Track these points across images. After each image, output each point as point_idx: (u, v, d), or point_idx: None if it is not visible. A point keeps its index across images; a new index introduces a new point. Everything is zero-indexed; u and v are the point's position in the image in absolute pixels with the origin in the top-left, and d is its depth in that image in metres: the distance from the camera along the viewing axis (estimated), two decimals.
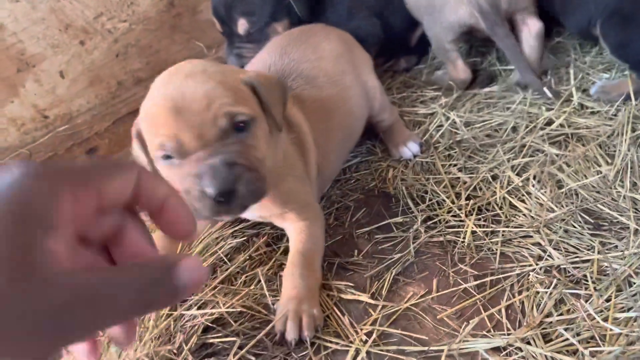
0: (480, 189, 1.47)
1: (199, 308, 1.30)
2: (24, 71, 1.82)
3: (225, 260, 1.43)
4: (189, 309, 1.30)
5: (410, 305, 1.23)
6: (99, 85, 1.96)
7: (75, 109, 1.94)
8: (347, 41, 1.68)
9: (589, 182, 1.36)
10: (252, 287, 1.35)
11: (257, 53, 1.67)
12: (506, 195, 1.41)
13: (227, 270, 1.41)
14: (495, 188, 1.44)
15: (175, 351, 1.18)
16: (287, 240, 1.47)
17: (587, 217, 1.28)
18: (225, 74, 1.15)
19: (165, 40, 2.04)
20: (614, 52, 1.62)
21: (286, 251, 1.45)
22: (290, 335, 1.19)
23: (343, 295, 1.29)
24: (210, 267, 1.42)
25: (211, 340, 1.22)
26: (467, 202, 1.42)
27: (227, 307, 1.28)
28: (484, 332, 1.12)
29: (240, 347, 1.17)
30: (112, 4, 1.91)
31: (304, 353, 1.17)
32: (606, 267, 1.14)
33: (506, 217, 1.36)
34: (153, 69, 2.04)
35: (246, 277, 1.41)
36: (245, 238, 1.48)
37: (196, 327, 1.24)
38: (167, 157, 1.09)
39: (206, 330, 1.25)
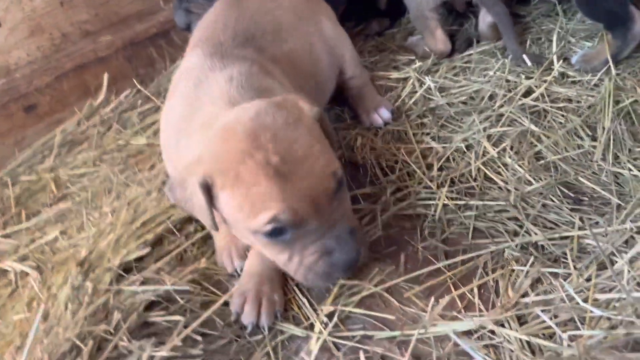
0: (454, 159, 1.36)
1: (142, 283, 1.17)
2: None
3: (175, 230, 1.30)
4: (131, 284, 1.16)
5: (376, 283, 1.12)
6: (40, 36, 1.76)
7: (14, 62, 1.74)
8: None
9: (570, 155, 1.26)
10: (202, 261, 1.22)
11: (207, 9, 1.52)
12: (481, 167, 1.31)
13: (175, 242, 1.28)
14: (470, 159, 1.33)
15: (111, 330, 1.04)
16: None
17: (566, 191, 1.19)
18: (300, 117, 0.98)
19: None
20: (582, 9, 1.52)
21: None
22: (247, 319, 1.08)
23: None
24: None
25: (153, 319, 1.09)
26: (440, 173, 1.32)
27: (173, 283, 1.15)
28: (455, 313, 1.03)
29: (186, 326, 1.05)
30: None
31: (259, 337, 1.06)
32: (587, 244, 1.06)
33: (481, 189, 1.26)
34: (102, 21, 1.86)
35: (198, 250, 1.28)
36: None
37: (137, 304, 1.11)
38: (277, 231, 0.94)
39: (149, 307, 1.13)
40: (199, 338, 1.04)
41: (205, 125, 1.03)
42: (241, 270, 1.17)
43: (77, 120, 1.77)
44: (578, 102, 1.41)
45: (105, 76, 1.81)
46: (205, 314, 1.05)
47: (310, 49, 1.41)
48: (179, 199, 1.02)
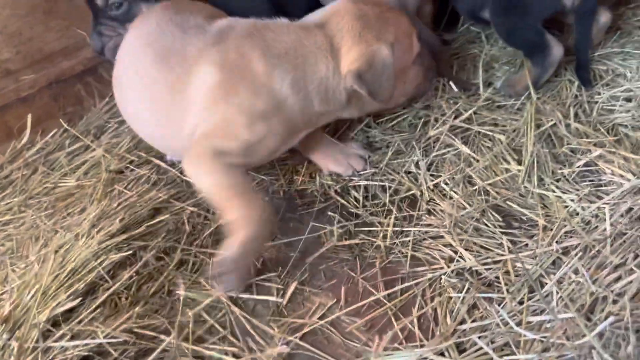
0: (390, 187, 1.38)
1: (72, 337, 1.11)
2: None
3: (107, 278, 1.24)
4: (60, 338, 1.10)
5: (318, 317, 1.12)
6: None
7: None
8: None
9: (498, 179, 1.30)
10: (137, 309, 1.17)
11: (118, 34, 1.50)
12: (423, 191, 1.33)
13: (109, 289, 1.22)
14: (411, 186, 1.35)
15: None
16: (182, 251, 1.32)
17: (497, 216, 1.23)
18: None
19: (38, 26, 1.78)
20: (503, 38, 1.60)
21: (181, 264, 1.30)
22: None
23: (243, 312, 1.16)
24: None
25: None
26: (378, 201, 1.34)
27: (107, 335, 1.10)
28: (396, 345, 1.03)
29: None
30: None
31: None
32: (518, 267, 1.09)
33: (417, 216, 1.28)
34: (24, 59, 1.79)
35: (133, 296, 1.23)
36: (131, 251, 1.30)
37: None
38: None
39: None
40: None
41: None
42: None
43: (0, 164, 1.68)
44: (504, 126, 1.47)
45: (29, 117, 1.74)
46: None
47: None
48: (371, 83, 1.26)
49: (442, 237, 1.21)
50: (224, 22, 1.38)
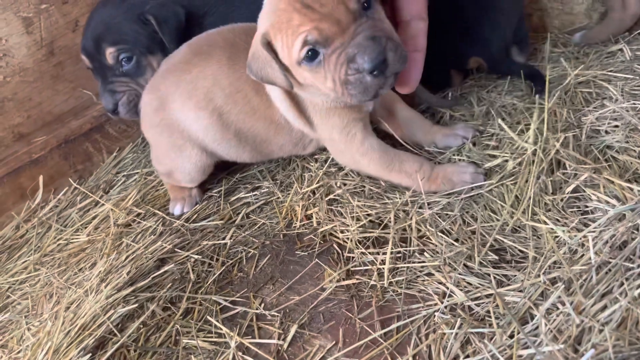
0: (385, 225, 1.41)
1: None
2: None
3: (116, 331, 1.30)
4: None
5: None
6: None
7: None
8: None
9: (495, 224, 1.33)
10: (146, 359, 1.22)
11: (131, 88, 1.58)
12: (408, 228, 1.36)
13: (117, 343, 1.28)
14: (406, 223, 1.39)
15: None
16: (187, 300, 1.36)
17: (488, 251, 1.25)
18: None
19: (47, 91, 1.89)
20: None
21: (187, 312, 1.34)
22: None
23: (246, 357, 1.19)
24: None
25: None
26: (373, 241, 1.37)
27: None
28: None
29: None
30: None
31: None
32: (509, 300, 1.11)
33: (410, 253, 1.31)
34: (35, 122, 1.88)
35: (141, 347, 1.28)
36: (137, 304, 1.35)
37: None
38: (312, 54, 1.14)
39: None
40: None
41: None
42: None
43: (15, 224, 1.76)
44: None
45: (41, 178, 1.83)
46: None
47: None
48: (256, 74, 1.26)
49: (433, 274, 1.23)
50: None
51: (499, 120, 1.49)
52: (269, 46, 1.21)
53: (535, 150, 1.33)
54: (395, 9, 1.28)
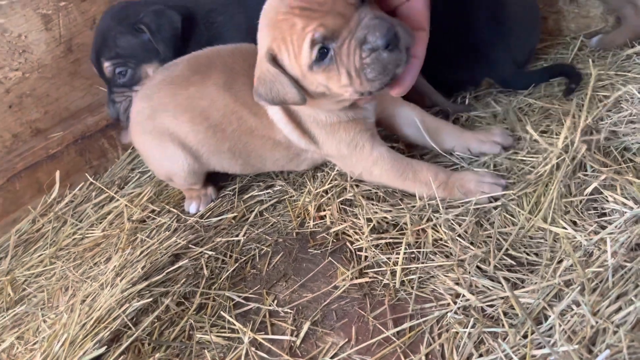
0: (399, 225, 1.42)
1: None
2: None
3: (130, 325, 1.31)
4: None
5: (330, 357, 1.15)
6: None
7: None
8: None
9: (512, 229, 1.32)
10: (159, 354, 1.23)
11: (128, 97, 1.61)
12: (421, 231, 1.36)
13: (132, 336, 1.29)
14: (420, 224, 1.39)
15: None
16: (201, 295, 1.37)
17: (503, 256, 1.25)
18: None
19: (64, 87, 1.91)
20: None
21: (201, 308, 1.35)
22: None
23: (260, 352, 1.20)
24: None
25: None
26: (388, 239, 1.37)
27: None
28: None
29: None
30: (1, 53, 1.77)
31: None
32: (524, 301, 1.11)
33: (424, 255, 1.31)
34: (52, 118, 1.91)
35: (155, 341, 1.29)
36: (152, 298, 1.37)
37: None
38: (322, 52, 1.13)
39: None
40: None
41: None
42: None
43: (32, 218, 1.79)
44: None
45: (57, 173, 1.85)
46: None
47: None
48: (265, 96, 1.24)
49: (448, 275, 1.24)
50: None
51: (528, 127, 1.45)
52: (275, 61, 1.20)
53: (560, 153, 1.33)
54: (397, 17, 1.28)
